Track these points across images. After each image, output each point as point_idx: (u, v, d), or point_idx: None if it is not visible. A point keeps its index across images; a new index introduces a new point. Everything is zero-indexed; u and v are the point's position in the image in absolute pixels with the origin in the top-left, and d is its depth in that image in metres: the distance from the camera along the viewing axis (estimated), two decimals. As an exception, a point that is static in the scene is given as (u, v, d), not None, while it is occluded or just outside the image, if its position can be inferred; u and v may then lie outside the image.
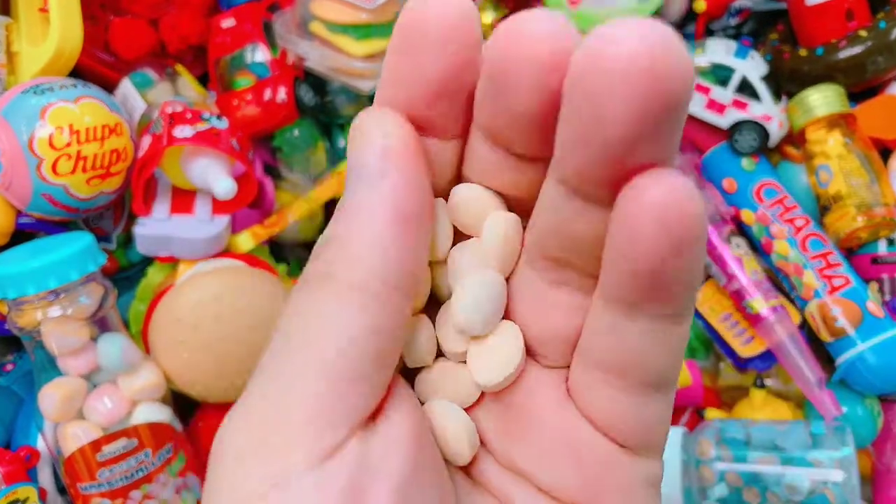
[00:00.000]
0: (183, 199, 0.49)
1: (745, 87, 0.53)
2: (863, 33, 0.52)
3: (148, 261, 0.51)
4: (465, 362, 0.18)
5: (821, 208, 0.53)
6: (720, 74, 0.53)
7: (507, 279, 0.18)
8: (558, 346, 0.18)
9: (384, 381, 0.16)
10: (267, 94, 0.53)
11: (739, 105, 0.53)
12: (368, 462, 0.15)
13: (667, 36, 0.12)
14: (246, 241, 0.49)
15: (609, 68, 0.12)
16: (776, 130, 0.53)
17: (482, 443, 0.19)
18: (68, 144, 0.43)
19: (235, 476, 0.15)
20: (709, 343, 0.56)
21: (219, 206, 0.48)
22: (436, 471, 0.17)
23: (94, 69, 0.51)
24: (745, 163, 0.54)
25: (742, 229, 0.55)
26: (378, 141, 0.16)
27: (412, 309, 0.17)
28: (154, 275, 0.50)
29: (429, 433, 0.17)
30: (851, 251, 0.54)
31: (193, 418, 0.51)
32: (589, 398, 0.17)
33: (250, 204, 0.49)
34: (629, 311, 0.15)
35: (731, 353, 0.54)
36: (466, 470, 0.19)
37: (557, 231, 0.16)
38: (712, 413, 0.54)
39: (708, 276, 0.55)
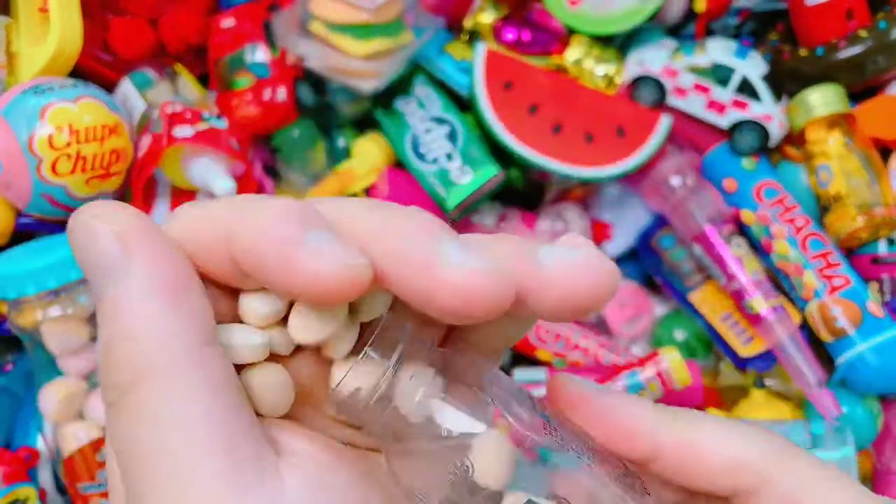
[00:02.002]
0: (182, 199, 0.49)
1: (746, 87, 0.53)
2: (863, 33, 0.52)
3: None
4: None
5: (821, 208, 0.53)
6: (720, 74, 0.53)
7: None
8: None
9: (252, 420, 0.16)
10: (266, 93, 0.53)
11: (739, 105, 0.53)
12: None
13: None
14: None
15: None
16: (776, 130, 0.53)
17: None
18: (68, 144, 0.43)
19: None
20: (709, 343, 0.56)
21: (218, 206, 0.48)
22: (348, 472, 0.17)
23: (94, 69, 0.51)
24: (746, 162, 0.54)
25: (742, 229, 0.55)
26: (106, 232, 0.15)
27: (221, 354, 0.16)
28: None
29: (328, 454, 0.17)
30: (851, 251, 0.54)
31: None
32: None
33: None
34: None
35: (731, 352, 0.54)
36: None
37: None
38: (713, 413, 0.54)
39: (708, 276, 0.55)
